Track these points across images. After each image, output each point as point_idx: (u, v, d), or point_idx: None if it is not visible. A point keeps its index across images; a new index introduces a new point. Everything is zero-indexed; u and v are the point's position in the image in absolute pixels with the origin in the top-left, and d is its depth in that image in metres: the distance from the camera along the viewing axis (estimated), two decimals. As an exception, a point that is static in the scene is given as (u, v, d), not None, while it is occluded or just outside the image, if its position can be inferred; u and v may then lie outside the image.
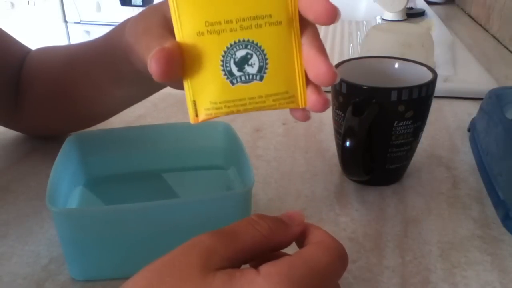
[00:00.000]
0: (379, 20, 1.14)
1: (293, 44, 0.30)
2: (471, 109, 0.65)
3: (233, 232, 0.27)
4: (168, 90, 0.43)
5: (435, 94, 0.46)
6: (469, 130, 0.58)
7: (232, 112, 0.30)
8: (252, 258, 0.28)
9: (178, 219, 0.35)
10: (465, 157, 0.53)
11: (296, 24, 0.30)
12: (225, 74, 0.29)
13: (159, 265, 0.25)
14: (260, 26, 0.29)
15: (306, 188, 0.48)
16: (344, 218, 0.43)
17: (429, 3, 1.28)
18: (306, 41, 0.30)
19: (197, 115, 0.30)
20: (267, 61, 0.29)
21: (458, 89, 0.70)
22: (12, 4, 1.96)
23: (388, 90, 0.43)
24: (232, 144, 0.44)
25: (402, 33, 0.73)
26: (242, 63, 0.29)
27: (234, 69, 0.29)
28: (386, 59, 0.50)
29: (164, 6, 0.33)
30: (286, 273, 0.24)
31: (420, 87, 0.43)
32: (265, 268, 0.25)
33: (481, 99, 0.57)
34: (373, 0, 1.12)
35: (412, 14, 1.15)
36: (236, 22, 0.29)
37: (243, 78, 0.29)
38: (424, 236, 0.41)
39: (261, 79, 0.30)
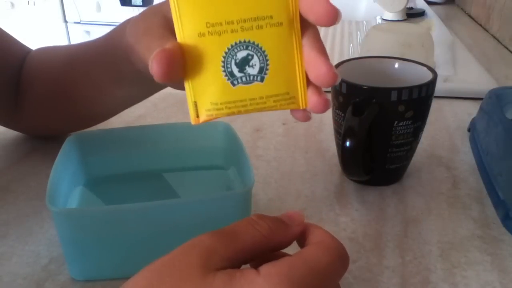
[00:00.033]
0: (379, 20, 1.14)
1: (294, 45, 0.30)
2: (471, 109, 0.65)
3: (233, 232, 0.27)
4: (168, 90, 0.43)
5: (435, 94, 0.46)
6: (469, 130, 0.58)
7: (233, 113, 0.30)
8: (252, 258, 0.28)
9: (178, 219, 0.35)
10: (465, 157, 0.53)
11: (297, 25, 0.30)
12: (226, 75, 0.29)
13: (159, 265, 0.25)
14: (261, 27, 0.29)
15: (306, 188, 0.48)
16: (344, 218, 0.43)
17: (429, 3, 1.28)
18: (306, 42, 0.30)
19: (198, 116, 0.30)
20: (268, 62, 0.29)
21: (458, 89, 0.70)
22: (12, 4, 1.95)
23: (388, 90, 0.43)
24: (232, 144, 0.44)
25: (402, 33, 0.73)
26: (243, 64, 0.29)
27: (235, 70, 0.29)
28: (386, 59, 0.50)
29: (165, 6, 0.33)
30: (286, 273, 0.24)
31: (420, 87, 0.43)
32: (265, 268, 0.25)
33: (481, 99, 0.57)
34: (373, 0, 1.12)
35: (412, 14, 1.15)
36: (237, 23, 0.29)
37: (244, 79, 0.29)
38: (424, 236, 0.41)
39: (262, 80, 0.30)
